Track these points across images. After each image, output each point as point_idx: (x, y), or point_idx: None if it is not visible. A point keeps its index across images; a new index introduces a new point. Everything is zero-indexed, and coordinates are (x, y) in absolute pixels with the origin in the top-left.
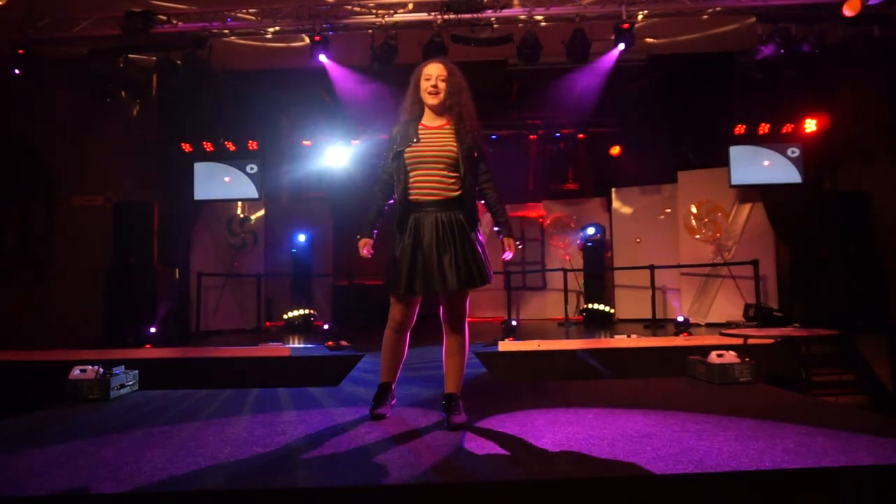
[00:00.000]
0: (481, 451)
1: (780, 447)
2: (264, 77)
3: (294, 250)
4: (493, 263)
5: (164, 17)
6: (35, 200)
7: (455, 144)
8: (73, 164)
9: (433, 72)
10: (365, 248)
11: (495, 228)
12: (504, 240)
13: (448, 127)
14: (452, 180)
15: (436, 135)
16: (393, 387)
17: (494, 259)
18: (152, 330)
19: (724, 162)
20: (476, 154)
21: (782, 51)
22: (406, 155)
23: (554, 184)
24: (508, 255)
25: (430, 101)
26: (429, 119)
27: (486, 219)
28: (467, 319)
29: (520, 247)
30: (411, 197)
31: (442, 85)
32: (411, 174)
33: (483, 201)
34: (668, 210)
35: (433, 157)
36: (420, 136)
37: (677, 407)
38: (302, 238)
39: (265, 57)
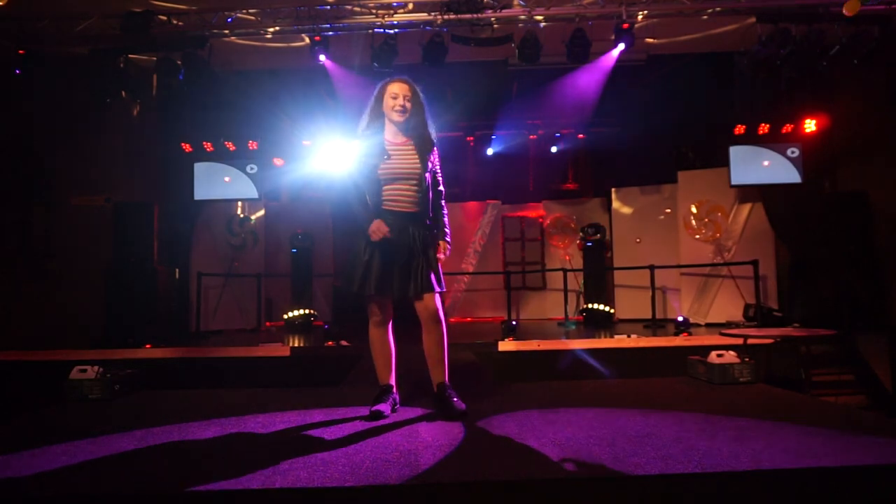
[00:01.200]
0: (481, 451)
1: (780, 447)
2: (264, 77)
3: (294, 250)
4: (492, 264)
5: (164, 18)
6: (35, 200)
7: (419, 163)
8: (73, 164)
9: (400, 90)
10: (379, 228)
11: (434, 231)
12: (440, 243)
13: (411, 144)
14: (421, 196)
15: (404, 152)
16: (394, 390)
17: (494, 259)
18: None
19: (724, 162)
20: (434, 170)
21: (782, 51)
22: (380, 171)
23: (554, 184)
24: (442, 256)
25: (397, 118)
26: (391, 135)
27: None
28: (442, 316)
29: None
30: (384, 207)
31: (408, 105)
32: (385, 188)
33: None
34: (668, 210)
35: (405, 174)
36: (390, 153)
37: (677, 407)
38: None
39: (265, 57)
